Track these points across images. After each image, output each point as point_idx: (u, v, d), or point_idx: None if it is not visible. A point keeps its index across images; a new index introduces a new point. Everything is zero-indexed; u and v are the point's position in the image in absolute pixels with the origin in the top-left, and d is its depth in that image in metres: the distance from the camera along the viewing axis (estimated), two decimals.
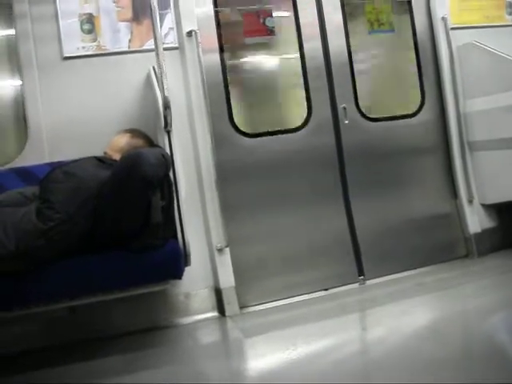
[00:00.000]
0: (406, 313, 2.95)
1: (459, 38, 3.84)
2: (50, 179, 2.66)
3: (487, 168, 3.77)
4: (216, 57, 3.41)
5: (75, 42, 3.19)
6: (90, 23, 3.21)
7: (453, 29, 3.84)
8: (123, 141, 2.96)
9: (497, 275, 3.41)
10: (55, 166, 2.79)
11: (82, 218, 2.49)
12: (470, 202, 3.81)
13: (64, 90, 3.17)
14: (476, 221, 3.81)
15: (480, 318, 2.76)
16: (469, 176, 3.83)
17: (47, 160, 3.06)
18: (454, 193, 3.86)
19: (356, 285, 3.51)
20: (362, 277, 3.54)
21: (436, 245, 3.76)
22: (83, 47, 3.21)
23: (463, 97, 3.84)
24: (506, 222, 3.87)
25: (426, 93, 3.87)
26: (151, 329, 3.08)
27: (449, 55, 3.82)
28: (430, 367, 2.21)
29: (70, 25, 3.18)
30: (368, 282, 3.53)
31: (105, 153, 2.96)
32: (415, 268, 3.63)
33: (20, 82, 3.13)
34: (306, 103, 3.57)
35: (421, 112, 3.85)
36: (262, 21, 3.50)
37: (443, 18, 3.82)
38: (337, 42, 3.66)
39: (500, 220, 3.87)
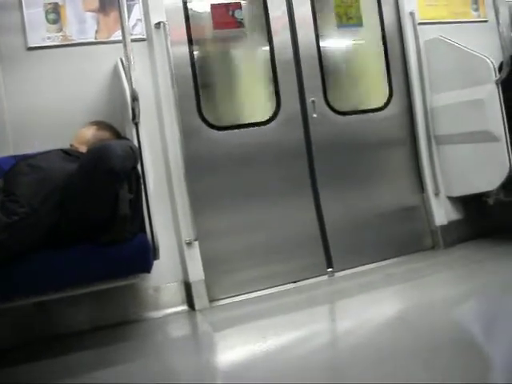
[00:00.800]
0: (375, 304, 2.99)
1: (426, 33, 3.89)
2: (14, 172, 2.61)
3: (453, 161, 3.84)
4: (185, 49, 3.38)
5: (40, 33, 3.11)
6: (55, 13, 3.14)
7: (420, 24, 3.89)
8: (89, 133, 2.93)
9: (463, 266, 3.48)
10: (20, 159, 2.74)
11: (47, 212, 2.45)
12: (437, 194, 3.88)
13: (29, 82, 3.09)
14: (442, 213, 3.88)
15: (447, 307, 2.80)
16: (435, 169, 3.88)
17: (12, 153, 2.99)
18: (421, 186, 3.92)
19: (325, 277, 3.54)
20: (330, 269, 3.57)
21: (403, 237, 3.82)
22: (48, 38, 3.13)
23: (430, 91, 3.89)
24: (472, 214, 3.94)
25: (393, 87, 3.91)
26: (121, 323, 3.05)
27: (416, 50, 3.87)
28: (398, 357, 2.25)
29: (34, 14, 3.10)
30: (337, 274, 3.56)
31: (71, 145, 2.92)
32: (383, 260, 3.67)
33: None
34: (274, 96, 3.57)
35: (388, 106, 3.89)
36: (230, 13, 3.48)
37: (411, 13, 3.86)
38: (306, 36, 3.66)
39: (466, 212, 3.94)
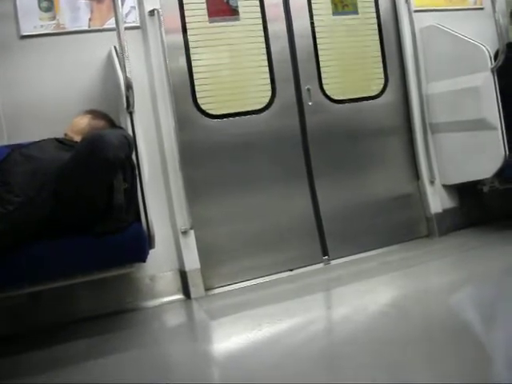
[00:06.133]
0: (371, 291, 3.00)
1: (422, 21, 3.87)
2: (8, 162, 2.60)
3: (448, 149, 3.84)
4: (179, 37, 3.36)
5: (33, 21, 3.08)
6: (48, 1, 3.10)
7: (416, 11, 3.87)
8: (84, 122, 2.91)
9: (457, 254, 3.49)
10: (14, 148, 2.73)
11: (42, 201, 2.44)
12: (432, 182, 3.88)
13: (22, 70, 3.07)
14: (437, 201, 3.89)
15: (442, 295, 2.82)
16: (431, 157, 3.89)
17: (6, 142, 2.97)
18: (417, 174, 3.93)
19: (321, 265, 3.55)
20: (326, 257, 3.58)
21: (399, 225, 3.83)
22: (41, 26, 3.10)
23: (426, 79, 3.89)
24: (467, 202, 3.96)
25: (389, 75, 3.90)
26: (117, 312, 3.06)
27: (411, 37, 3.85)
28: (394, 344, 2.26)
29: (27, 2, 3.06)
30: (333, 262, 3.57)
31: (65, 134, 2.90)
32: (378, 248, 3.69)
33: None
34: (270, 84, 3.56)
35: (384, 94, 3.89)
36: (225, 0, 3.45)
37: (407, 1, 3.84)
38: (301, 23, 3.64)
39: (461, 200, 3.96)
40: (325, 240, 3.60)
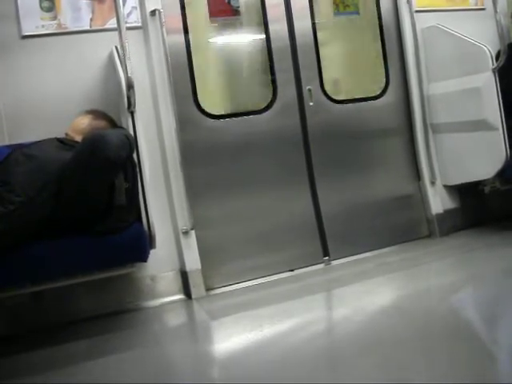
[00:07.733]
0: (371, 292, 2.99)
1: (423, 21, 3.86)
2: (9, 161, 2.60)
3: (450, 150, 3.83)
4: (180, 37, 3.35)
5: (34, 21, 3.08)
6: (49, 1, 3.10)
7: (417, 11, 3.86)
8: (85, 122, 2.90)
9: (458, 254, 3.49)
10: (15, 148, 2.73)
11: (43, 201, 2.44)
12: (433, 183, 3.88)
13: (23, 70, 3.07)
14: (438, 202, 3.89)
15: (442, 295, 2.81)
16: (432, 158, 3.89)
17: (7, 142, 2.97)
18: (417, 174, 3.92)
19: (321, 265, 3.55)
20: (327, 257, 3.58)
21: (399, 225, 3.83)
22: (43, 26, 3.10)
23: (427, 79, 3.88)
24: (468, 202, 3.95)
25: (390, 75, 3.89)
26: (117, 312, 3.05)
27: (413, 38, 3.85)
28: (394, 344, 2.25)
29: (28, 2, 3.06)
30: (333, 263, 3.57)
31: (66, 134, 2.90)
32: (379, 248, 3.68)
33: None
34: (271, 85, 3.56)
35: (385, 94, 3.88)
36: (227, 1, 3.46)
37: (408, 1, 3.83)
38: (302, 23, 3.64)
39: (462, 201, 3.95)
40: (326, 240, 3.60)
